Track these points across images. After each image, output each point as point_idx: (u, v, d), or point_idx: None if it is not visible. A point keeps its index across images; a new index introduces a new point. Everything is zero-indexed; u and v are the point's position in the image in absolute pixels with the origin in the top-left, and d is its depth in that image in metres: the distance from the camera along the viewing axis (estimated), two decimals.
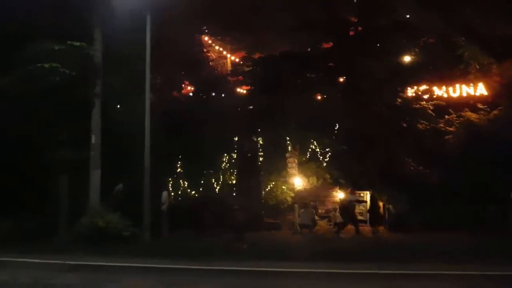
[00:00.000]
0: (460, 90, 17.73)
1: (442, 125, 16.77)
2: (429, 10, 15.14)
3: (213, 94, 19.48)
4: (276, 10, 16.52)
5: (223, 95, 18.52)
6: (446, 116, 16.98)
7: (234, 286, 7.47)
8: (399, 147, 15.20)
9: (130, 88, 15.03)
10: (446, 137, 16.13)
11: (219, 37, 22.16)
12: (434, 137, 15.83)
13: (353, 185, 14.03)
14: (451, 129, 16.53)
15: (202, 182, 15.66)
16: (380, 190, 13.90)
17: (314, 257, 9.23)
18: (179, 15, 16.32)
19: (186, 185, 15.58)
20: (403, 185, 13.57)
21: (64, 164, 11.64)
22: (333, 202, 15.46)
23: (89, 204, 11.50)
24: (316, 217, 14.39)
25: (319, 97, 17.10)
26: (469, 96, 17.53)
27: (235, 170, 16.27)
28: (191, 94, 20.76)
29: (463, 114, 16.89)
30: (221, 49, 23.48)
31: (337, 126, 16.11)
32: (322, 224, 14.70)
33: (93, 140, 11.76)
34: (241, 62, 20.30)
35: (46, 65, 10.50)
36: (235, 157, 16.76)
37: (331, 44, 17.65)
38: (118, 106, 14.77)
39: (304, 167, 15.78)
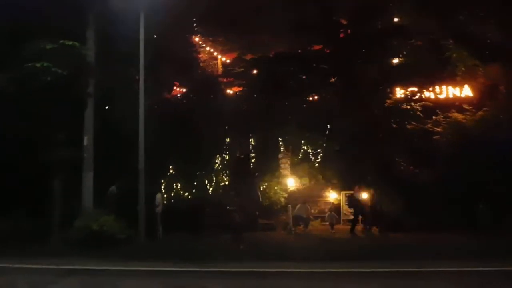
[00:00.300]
0: (447, 92, 18.13)
1: (430, 126, 17.12)
2: (420, 14, 15.44)
3: (205, 95, 19.42)
4: (271, 12, 16.59)
5: (214, 96, 18.44)
6: (434, 117, 17.33)
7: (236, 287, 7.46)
8: (391, 147, 15.42)
9: (122, 88, 14.94)
10: (434, 137, 16.45)
11: (210, 38, 22.09)
12: (423, 138, 16.12)
13: (358, 184, 13.97)
14: (439, 129, 16.87)
15: (195, 183, 15.55)
16: (374, 190, 14.06)
17: (313, 256, 9.31)
18: (171, 15, 16.24)
19: (179, 187, 15.46)
20: (396, 185, 13.77)
21: (58, 165, 11.40)
22: (326, 202, 15.60)
23: (83, 206, 11.31)
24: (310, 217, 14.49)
25: (311, 98, 17.22)
26: (455, 98, 17.92)
27: (228, 171, 16.26)
28: (178, 95, 20.68)
29: (450, 115, 17.27)
30: (211, 50, 23.43)
31: (330, 127, 16.22)
32: (315, 224, 14.81)
33: (85, 141, 11.57)
34: (233, 64, 20.25)
35: (38, 65, 10.29)
36: (227, 158, 16.76)
37: (325, 46, 17.81)
38: (107, 107, 14.59)
39: (296, 168, 15.87)
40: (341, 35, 17.78)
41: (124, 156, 13.39)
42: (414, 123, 16.54)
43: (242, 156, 16.14)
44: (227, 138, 17.05)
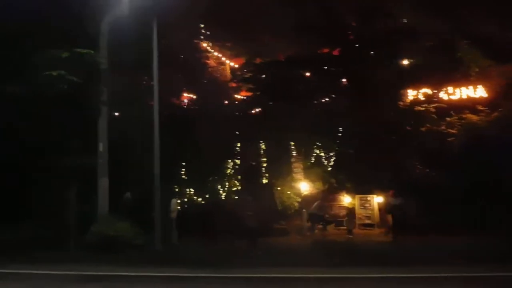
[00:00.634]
0: (460, 93, 17.97)
1: (444, 128, 16.95)
2: (431, 14, 15.33)
3: (214, 100, 19.48)
4: (279, 16, 16.61)
5: (226, 101, 18.50)
6: (448, 119, 17.16)
7: None
8: (405, 150, 15.28)
9: (133, 95, 15.05)
10: (449, 139, 16.27)
11: (218, 43, 22.18)
12: (438, 139, 15.95)
13: (393, 189, 13.57)
14: (453, 131, 16.70)
15: (207, 188, 15.55)
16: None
17: (331, 262, 9.18)
18: (180, 20, 16.37)
19: (192, 192, 15.47)
20: (411, 187, 13.60)
21: (73, 172, 11.47)
22: (340, 206, 15.47)
23: (98, 213, 11.34)
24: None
25: (323, 101, 17.15)
26: (469, 98, 17.75)
27: (240, 177, 16.25)
28: (185, 100, 20.78)
29: (464, 116, 17.08)
30: (220, 55, 23.52)
31: (342, 130, 16.13)
32: (329, 228, 14.68)
33: (100, 148, 11.62)
34: (242, 68, 20.29)
35: (55, 73, 10.37)
36: (239, 163, 16.76)
37: (335, 49, 17.77)
38: (117, 114, 14.71)
39: (309, 172, 15.78)
40: (351, 37, 17.75)
41: (137, 162, 13.49)
42: (428, 125, 16.39)
43: (254, 163, 16.12)
44: (237, 143, 17.06)
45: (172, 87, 17.55)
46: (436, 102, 17.43)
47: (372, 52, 16.87)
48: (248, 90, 18.36)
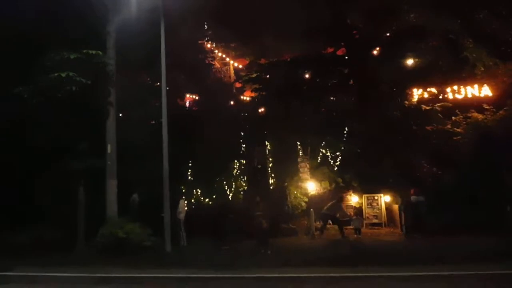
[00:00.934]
0: (465, 92, 17.91)
1: (449, 127, 16.90)
2: (437, 13, 15.30)
3: (218, 100, 19.45)
4: (283, 16, 16.56)
5: (232, 102, 18.47)
6: (453, 118, 17.11)
7: None
8: (411, 149, 15.24)
9: (139, 96, 15.02)
10: (455, 138, 16.23)
11: (223, 44, 22.18)
12: (444, 139, 15.91)
13: (415, 186, 13.46)
14: (459, 130, 16.65)
15: (214, 189, 15.51)
16: (397, 192, 13.87)
17: (343, 261, 9.14)
18: (184, 21, 16.34)
19: (199, 193, 15.42)
20: (418, 187, 13.56)
21: (81, 174, 11.44)
22: (347, 206, 15.42)
23: (107, 214, 11.31)
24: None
25: (331, 99, 17.10)
26: (474, 97, 17.68)
27: (246, 177, 16.21)
28: (188, 102, 20.76)
29: (469, 115, 17.04)
30: (223, 55, 23.51)
31: (348, 130, 16.10)
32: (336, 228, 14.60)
33: (109, 149, 11.60)
34: (247, 69, 20.27)
35: (63, 74, 10.35)
36: (244, 163, 16.71)
37: (339, 48, 17.74)
38: (120, 115, 14.71)
39: (316, 172, 15.74)
40: (356, 37, 17.70)
41: (144, 163, 13.44)
42: (434, 125, 16.34)
43: (259, 166, 16.09)
44: (243, 143, 17.01)
45: (177, 88, 17.56)
46: (441, 101, 17.38)
47: (378, 52, 16.80)
48: (254, 90, 18.31)
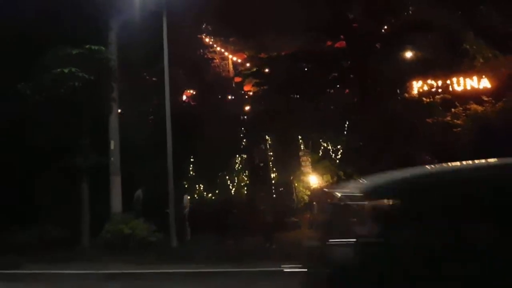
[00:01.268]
0: (464, 84, 17.98)
1: (449, 119, 16.97)
2: (436, 5, 15.31)
3: (218, 95, 19.44)
4: (284, 10, 16.50)
5: (232, 97, 18.44)
6: (453, 110, 17.18)
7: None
8: (411, 142, 15.31)
9: (140, 92, 14.99)
10: (455, 129, 16.31)
11: (221, 38, 22.06)
12: (444, 131, 15.99)
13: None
14: (458, 122, 16.73)
15: (217, 184, 15.55)
16: None
17: None
18: (184, 16, 16.24)
19: (202, 188, 15.46)
20: None
21: (84, 171, 11.42)
22: None
23: (111, 211, 11.30)
24: None
25: (330, 92, 17.13)
26: (473, 89, 17.76)
27: (248, 172, 16.26)
28: (185, 98, 20.70)
29: (469, 107, 17.11)
30: (222, 50, 23.38)
31: (349, 123, 16.15)
32: None
33: (112, 146, 11.56)
34: (246, 63, 20.21)
35: (66, 70, 10.29)
36: (245, 157, 16.76)
37: (337, 42, 17.73)
38: (119, 111, 14.67)
39: (317, 165, 15.80)
40: (356, 30, 17.68)
41: (147, 159, 13.44)
42: (434, 117, 16.41)
43: (262, 164, 16.15)
44: (243, 138, 17.04)
45: (177, 84, 17.50)
46: (441, 93, 17.44)
47: (378, 45, 16.80)
48: (255, 85, 18.28)
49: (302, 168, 15.59)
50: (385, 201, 3.02)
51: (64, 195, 12.06)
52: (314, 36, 17.18)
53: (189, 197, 14.75)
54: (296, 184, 15.53)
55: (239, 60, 22.96)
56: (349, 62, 16.64)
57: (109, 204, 11.43)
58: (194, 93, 20.75)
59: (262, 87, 17.63)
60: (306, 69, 16.75)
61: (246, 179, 16.18)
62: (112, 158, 11.52)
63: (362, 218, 2.97)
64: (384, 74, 16.17)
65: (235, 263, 8.82)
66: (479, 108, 16.93)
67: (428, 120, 16.56)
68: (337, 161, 16.12)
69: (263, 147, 16.84)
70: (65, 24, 11.02)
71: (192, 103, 20.27)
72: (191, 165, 16.14)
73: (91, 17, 11.52)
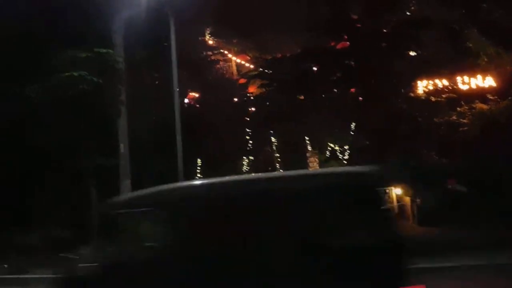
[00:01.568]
0: (469, 82, 17.99)
1: (455, 117, 16.98)
2: (440, 3, 15.33)
3: (224, 97, 19.42)
4: (287, 11, 16.54)
5: (235, 99, 18.45)
6: (458, 109, 17.19)
7: None
8: (419, 141, 15.32)
9: (147, 93, 14.94)
10: (461, 128, 16.31)
11: (224, 40, 22.10)
12: (450, 130, 15.99)
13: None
14: (464, 121, 16.73)
15: None
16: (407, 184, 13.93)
17: None
18: (188, 18, 16.26)
19: None
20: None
21: (93, 173, 11.37)
22: None
23: None
24: None
25: (334, 91, 17.13)
26: (478, 88, 17.77)
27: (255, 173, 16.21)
28: (186, 100, 20.73)
29: (474, 105, 17.11)
30: (225, 51, 23.43)
31: (355, 123, 16.14)
32: None
33: (121, 149, 11.47)
34: (251, 63, 20.24)
35: (75, 73, 10.24)
36: (252, 159, 16.73)
37: (340, 41, 17.75)
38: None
39: (325, 166, 15.78)
40: (360, 30, 17.69)
41: (153, 161, 13.40)
42: (440, 116, 16.41)
43: (268, 158, 16.13)
44: (250, 140, 17.02)
45: (182, 86, 17.50)
46: (446, 92, 17.45)
47: (382, 44, 16.81)
48: (260, 86, 18.29)
49: (310, 169, 15.54)
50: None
51: (69, 197, 12.03)
52: (314, 36, 17.20)
53: None
54: None
55: (243, 62, 23.01)
56: (352, 60, 16.62)
57: None
58: (198, 95, 20.77)
59: (267, 88, 17.61)
60: (311, 68, 16.70)
61: None
62: (122, 162, 11.44)
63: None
64: (388, 74, 16.20)
65: None
66: (484, 106, 16.94)
67: (435, 119, 16.59)
68: (345, 161, 16.09)
69: (269, 149, 16.82)
70: (70, 26, 11.01)
71: (196, 105, 20.28)
72: (198, 167, 16.10)
73: (97, 19, 11.50)
